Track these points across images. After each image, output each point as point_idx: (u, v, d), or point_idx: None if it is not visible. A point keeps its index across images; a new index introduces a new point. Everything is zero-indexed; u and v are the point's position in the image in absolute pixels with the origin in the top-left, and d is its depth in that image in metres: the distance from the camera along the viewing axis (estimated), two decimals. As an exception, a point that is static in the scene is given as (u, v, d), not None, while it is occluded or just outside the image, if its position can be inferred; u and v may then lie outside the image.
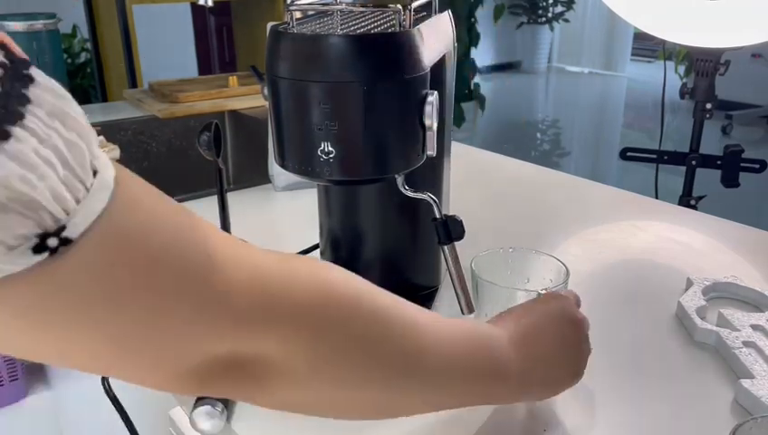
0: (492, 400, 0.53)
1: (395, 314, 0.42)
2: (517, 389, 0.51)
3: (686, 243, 0.93)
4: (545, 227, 0.99)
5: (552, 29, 6.32)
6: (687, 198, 1.76)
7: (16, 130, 0.23)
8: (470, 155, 1.36)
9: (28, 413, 0.90)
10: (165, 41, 3.09)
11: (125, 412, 0.63)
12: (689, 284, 0.78)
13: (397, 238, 0.73)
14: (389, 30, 0.56)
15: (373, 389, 0.41)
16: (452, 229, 0.59)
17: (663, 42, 1.66)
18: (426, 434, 0.56)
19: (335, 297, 0.39)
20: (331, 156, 0.55)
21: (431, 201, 0.60)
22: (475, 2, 3.87)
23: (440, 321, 0.46)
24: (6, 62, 0.24)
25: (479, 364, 0.47)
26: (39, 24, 1.44)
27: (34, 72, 0.25)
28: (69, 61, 3.12)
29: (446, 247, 0.60)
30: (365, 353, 0.40)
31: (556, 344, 0.54)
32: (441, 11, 0.67)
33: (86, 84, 3.09)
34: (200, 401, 0.54)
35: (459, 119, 3.80)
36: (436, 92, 0.57)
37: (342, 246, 0.75)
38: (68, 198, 0.25)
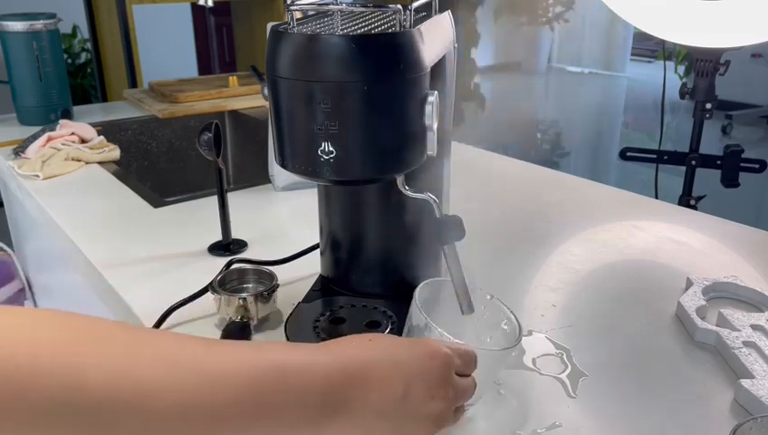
0: None
1: (97, 372, 0.35)
2: (319, 431, 0.43)
3: (686, 243, 0.93)
4: (545, 228, 0.99)
5: (552, 29, 6.32)
6: (687, 198, 1.76)
7: None
8: (470, 155, 1.36)
9: None
10: (165, 41, 3.09)
11: None
12: (689, 284, 0.78)
13: (397, 238, 0.73)
14: (389, 30, 0.56)
15: None
16: (452, 229, 0.59)
17: (663, 42, 1.67)
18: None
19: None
20: (331, 156, 0.55)
21: (431, 201, 0.60)
22: (475, 2, 3.87)
23: (208, 360, 0.40)
24: None
25: (263, 409, 0.40)
26: (39, 24, 1.44)
27: None
28: (69, 61, 3.12)
29: (446, 247, 0.60)
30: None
31: (396, 409, 0.46)
32: (441, 11, 0.67)
33: (86, 84, 3.09)
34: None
35: (459, 119, 3.80)
36: (436, 92, 0.57)
37: (342, 246, 0.75)
38: None
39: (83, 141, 1.31)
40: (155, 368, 0.38)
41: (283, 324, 0.69)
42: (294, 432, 0.42)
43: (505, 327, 0.60)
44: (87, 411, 0.34)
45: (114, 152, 1.30)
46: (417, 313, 0.57)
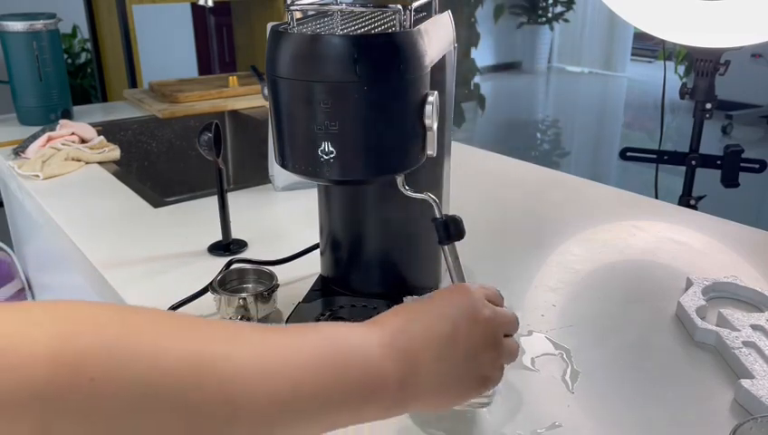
0: (367, 419, 0.44)
1: (177, 353, 0.35)
2: (400, 401, 0.44)
3: (686, 243, 0.93)
4: (545, 227, 0.99)
5: (551, 29, 6.32)
6: (687, 198, 1.76)
7: None
8: (470, 155, 1.36)
9: None
10: (165, 41, 3.09)
11: None
12: (689, 284, 0.78)
13: (397, 238, 0.73)
14: (389, 30, 0.56)
15: None
16: (452, 229, 0.59)
17: (663, 42, 1.67)
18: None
19: (69, 354, 0.32)
20: (331, 156, 0.55)
21: (431, 201, 0.60)
22: (475, 2, 3.87)
23: (273, 342, 0.40)
24: None
25: (339, 385, 0.41)
26: (39, 24, 1.44)
27: None
28: (69, 61, 3.12)
29: (446, 247, 0.60)
30: (139, 420, 0.34)
31: (452, 347, 0.47)
32: (441, 11, 0.67)
33: (86, 84, 3.09)
34: None
35: (459, 119, 3.80)
36: (436, 92, 0.57)
37: (342, 246, 0.75)
38: None
39: (83, 141, 1.31)
40: (245, 354, 0.38)
41: (283, 325, 0.69)
42: (370, 402, 0.43)
43: None
44: (171, 396, 0.34)
45: (114, 152, 1.30)
46: None
